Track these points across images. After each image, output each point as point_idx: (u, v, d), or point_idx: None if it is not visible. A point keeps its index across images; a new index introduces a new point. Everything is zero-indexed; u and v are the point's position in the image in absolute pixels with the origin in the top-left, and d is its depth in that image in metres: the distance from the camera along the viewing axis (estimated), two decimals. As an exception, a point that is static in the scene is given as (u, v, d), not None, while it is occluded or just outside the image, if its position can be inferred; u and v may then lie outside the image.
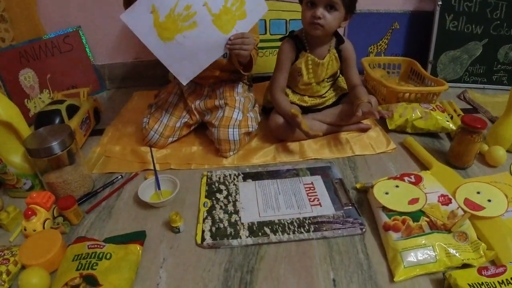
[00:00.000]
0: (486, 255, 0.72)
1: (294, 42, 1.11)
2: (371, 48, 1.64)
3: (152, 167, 1.02)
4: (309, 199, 0.89)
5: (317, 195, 0.91)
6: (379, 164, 1.04)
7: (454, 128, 1.12)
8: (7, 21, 1.35)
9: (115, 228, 0.85)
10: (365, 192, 0.92)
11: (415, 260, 0.70)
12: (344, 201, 0.88)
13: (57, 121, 1.09)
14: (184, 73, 1.00)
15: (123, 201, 0.94)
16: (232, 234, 0.80)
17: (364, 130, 1.18)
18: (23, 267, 0.74)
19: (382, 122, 1.20)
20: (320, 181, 0.96)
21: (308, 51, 1.11)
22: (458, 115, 1.23)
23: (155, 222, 0.86)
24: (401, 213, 0.79)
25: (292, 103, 1.17)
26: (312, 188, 0.93)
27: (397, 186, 0.86)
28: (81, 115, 1.18)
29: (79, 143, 1.14)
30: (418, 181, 0.88)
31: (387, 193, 0.84)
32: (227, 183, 0.97)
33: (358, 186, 0.93)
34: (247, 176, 0.99)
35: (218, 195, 0.92)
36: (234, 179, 0.98)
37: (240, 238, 0.79)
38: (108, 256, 0.71)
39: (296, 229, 0.81)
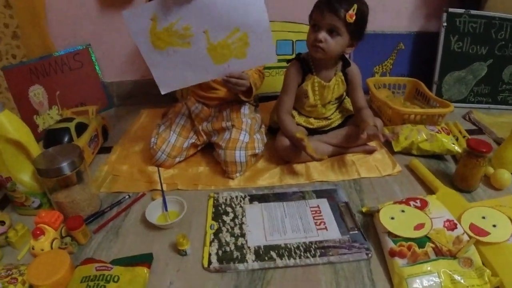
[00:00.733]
0: (491, 281, 0.71)
1: (301, 64, 1.12)
2: (376, 69, 1.65)
3: (159, 187, 1.02)
4: (315, 223, 0.89)
5: (323, 219, 0.91)
6: (385, 187, 1.04)
7: (459, 150, 1.12)
8: (19, 38, 1.37)
9: (122, 249, 0.86)
10: (371, 215, 0.92)
11: (421, 286, 0.70)
12: (350, 225, 0.88)
13: (66, 139, 1.11)
14: (166, 83, 1.01)
15: (130, 222, 0.94)
16: (239, 258, 0.80)
17: (370, 152, 1.19)
18: (31, 287, 0.74)
19: (387, 144, 1.21)
20: (326, 204, 0.96)
21: (315, 73, 1.12)
22: (464, 136, 1.23)
23: (162, 243, 0.86)
24: (407, 239, 0.79)
25: (298, 124, 1.17)
26: (318, 212, 0.93)
27: (402, 211, 0.86)
28: (90, 133, 1.19)
29: (87, 161, 1.15)
30: (423, 205, 0.88)
31: (392, 218, 0.84)
32: (233, 205, 0.97)
33: (364, 210, 0.94)
34: (253, 198, 0.99)
35: (224, 217, 0.92)
36: (240, 201, 0.98)
37: (247, 262, 0.79)
38: (116, 279, 0.72)
39: (302, 253, 0.81)
